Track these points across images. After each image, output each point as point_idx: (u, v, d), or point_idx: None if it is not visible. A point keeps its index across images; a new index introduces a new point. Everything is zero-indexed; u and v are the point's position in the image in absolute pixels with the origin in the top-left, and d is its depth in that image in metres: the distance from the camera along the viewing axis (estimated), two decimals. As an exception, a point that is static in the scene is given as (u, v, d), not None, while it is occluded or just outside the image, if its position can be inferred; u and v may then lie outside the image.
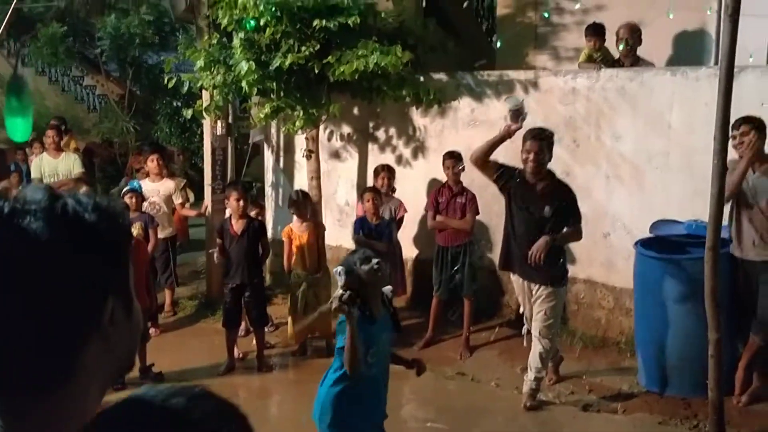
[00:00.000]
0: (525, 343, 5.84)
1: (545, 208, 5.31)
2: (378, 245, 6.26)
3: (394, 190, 7.09)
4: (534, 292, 5.42)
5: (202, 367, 6.37)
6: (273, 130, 8.42)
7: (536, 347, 5.44)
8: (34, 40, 12.90)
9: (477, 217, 7.20)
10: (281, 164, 8.48)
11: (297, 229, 6.50)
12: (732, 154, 5.26)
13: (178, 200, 7.96)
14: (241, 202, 6.07)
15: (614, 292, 6.54)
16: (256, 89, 6.72)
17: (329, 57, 6.47)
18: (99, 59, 14.13)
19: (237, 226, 6.15)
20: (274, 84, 6.69)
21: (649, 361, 5.72)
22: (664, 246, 5.73)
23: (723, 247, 5.39)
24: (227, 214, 6.65)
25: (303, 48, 6.50)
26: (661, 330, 5.55)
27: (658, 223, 5.97)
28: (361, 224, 6.68)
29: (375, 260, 3.66)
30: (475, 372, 6.12)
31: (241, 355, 6.51)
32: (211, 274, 7.80)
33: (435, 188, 6.83)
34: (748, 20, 6.72)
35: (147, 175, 8.13)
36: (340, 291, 3.54)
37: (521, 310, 5.86)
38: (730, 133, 5.17)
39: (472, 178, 6.49)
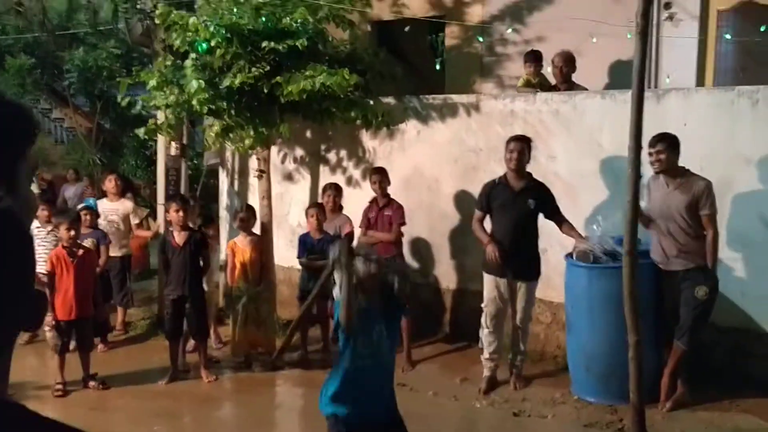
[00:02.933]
0: (480, 345, 6.19)
1: (528, 201, 5.94)
2: (320, 263, 6.45)
3: (341, 208, 7.27)
4: (518, 289, 6.04)
5: (147, 376, 6.44)
6: (228, 153, 8.62)
7: (519, 335, 6.14)
8: (2, 72, 13.08)
9: (421, 236, 7.44)
10: (236, 186, 8.66)
11: (240, 243, 6.66)
12: (649, 169, 5.57)
13: (135, 221, 8.08)
14: (181, 213, 6.21)
15: (551, 307, 6.73)
16: (207, 108, 6.91)
17: (278, 78, 6.70)
18: (67, 92, 14.31)
19: (178, 238, 6.29)
20: (225, 103, 6.90)
21: (579, 370, 5.89)
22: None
23: (647, 257, 5.68)
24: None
25: (253, 69, 6.73)
26: (590, 339, 5.74)
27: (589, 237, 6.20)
28: (304, 240, 6.86)
29: (374, 262, 3.64)
30: (415, 383, 6.24)
31: (187, 368, 6.59)
32: (163, 295, 7.88)
33: (366, 205, 7.03)
34: (674, 44, 7.12)
35: (105, 195, 8.26)
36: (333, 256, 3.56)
37: (485, 315, 6.13)
38: (647, 150, 5.49)
39: (419, 199, 6.71)
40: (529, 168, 6.76)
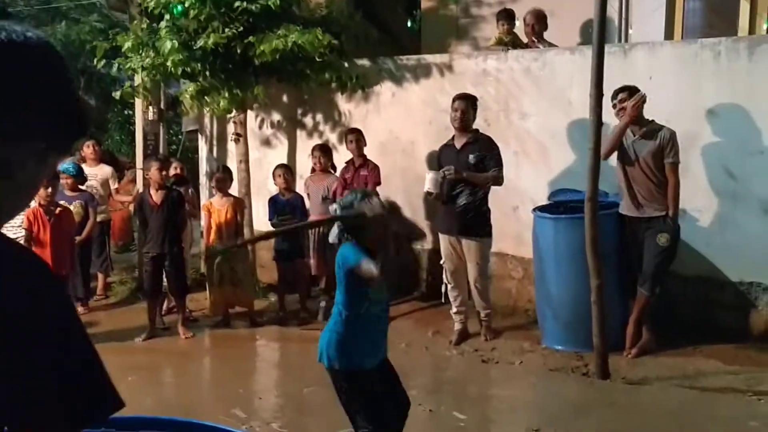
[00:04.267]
0: (443, 299, 6.35)
1: (469, 156, 6.00)
2: (291, 224, 6.61)
3: (334, 168, 7.32)
4: (466, 248, 6.04)
5: (126, 335, 6.53)
6: (207, 120, 8.68)
7: (476, 293, 6.17)
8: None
9: (397, 199, 7.53)
10: (214, 151, 8.72)
11: (216, 204, 6.75)
12: (614, 121, 5.68)
13: (114, 185, 8.15)
14: (160, 172, 6.28)
15: (523, 262, 6.85)
16: (181, 70, 6.97)
17: (251, 38, 6.76)
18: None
19: (156, 197, 6.36)
20: (199, 65, 6.96)
21: (547, 320, 6.02)
22: (562, 212, 6.06)
23: (612, 208, 5.79)
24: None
25: (226, 30, 6.79)
26: (557, 288, 5.86)
27: (557, 192, 6.32)
28: (274, 201, 6.95)
29: (376, 200, 3.51)
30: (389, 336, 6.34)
31: (165, 326, 6.69)
32: (141, 253, 7.96)
33: (343, 166, 7.11)
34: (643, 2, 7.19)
35: (84, 161, 8.30)
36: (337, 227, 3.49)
37: (445, 271, 6.27)
38: (611, 102, 5.60)
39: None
40: (502, 126, 6.89)
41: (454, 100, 6.16)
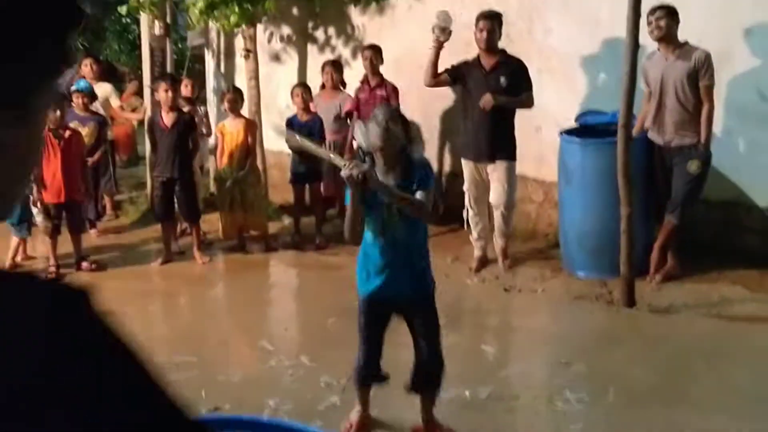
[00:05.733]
0: (465, 227, 6.18)
1: (500, 78, 5.77)
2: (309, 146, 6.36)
3: (344, 85, 7.08)
4: (491, 172, 5.88)
5: (141, 259, 6.46)
6: (213, 34, 8.35)
7: (499, 219, 5.98)
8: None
9: (414, 119, 7.28)
10: (222, 68, 8.44)
11: (229, 126, 6.54)
12: (648, 40, 5.43)
13: (116, 103, 7.91)
14: (170, 93, 6.06)
15: (544, 185, 6.70)
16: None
17: (260, -52, 6.42)
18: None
19: (167, 119, 6.15)
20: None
21: (571, 246, 5.93)
22: (589, 135, 5.88)
23: (641, 132, 5.62)
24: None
25: (235, -61, 6.43)
26: (582, 214, 5.74)
27: (584, 114, 6.12)
28: (290, 122, 6.73)
29: (380, 124, 3.21)
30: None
31: (181, 250, 6.60)
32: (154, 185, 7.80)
33: (357, 86, 6.85)
34: None
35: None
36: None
37: (468, 196, 6.10)
38: (646, 20, 5.34)
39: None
40: (524, 43, 6.61)
41: (478, 19, 5.86)
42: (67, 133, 6.00)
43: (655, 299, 5.28)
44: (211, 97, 8.59)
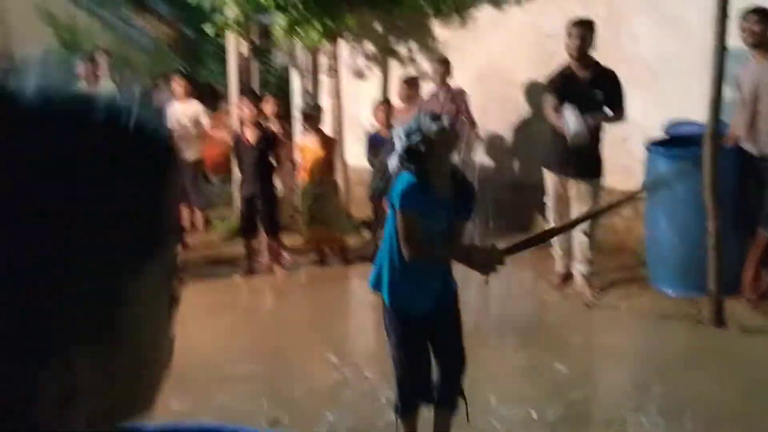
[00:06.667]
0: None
1: (596, 92, 5.51)
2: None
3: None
4: (576, 189, 5.62)
5: (225, 271, 6.57)
6: (299, 52, 8.47)
7: (583, 241, 5.66)
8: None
9: (496, 131, 7.19)
10: (309, 86, 8.54)
11: (309, 142, 6.59)
12: (741, 44, 5.13)
13: (205, 122, 8.11)
14: (251, 110, 6.17)
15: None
16: (273, 2, 6.76)
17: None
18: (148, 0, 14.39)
19: (250, 136, 6.26)
20: (290, -3, 6.72)
21: (658, 263, 5.64)
22: (679, 146, 5.59)
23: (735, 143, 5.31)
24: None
25: (316, -42, 6.51)
26: (669, 229, 5.45)
27: (674, 124, 5.84)
28: (371, 139, 6.72)
29: (445, 121, 3.16)
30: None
31: (262, 263, 6.68)
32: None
33: (426, 99, 6.78)
34: None
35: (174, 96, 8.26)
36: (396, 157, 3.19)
37: (549, 210, 5.89)
38: (739, 24, 5.04)
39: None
40: (610, 50, 6.38)
41: (571, 27, 5.56)
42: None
43: (747, 319, 4.94)
44: (297, 114, 8.70)
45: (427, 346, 3.35)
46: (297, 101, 8.73)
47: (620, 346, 4.78)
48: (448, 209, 3.18)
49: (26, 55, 0.56)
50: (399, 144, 3.13)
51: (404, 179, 3.13)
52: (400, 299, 3.27)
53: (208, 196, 8.29)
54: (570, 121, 5.38)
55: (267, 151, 6.27)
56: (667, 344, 4.78)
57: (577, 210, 5.65)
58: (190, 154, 7.81)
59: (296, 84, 8.71)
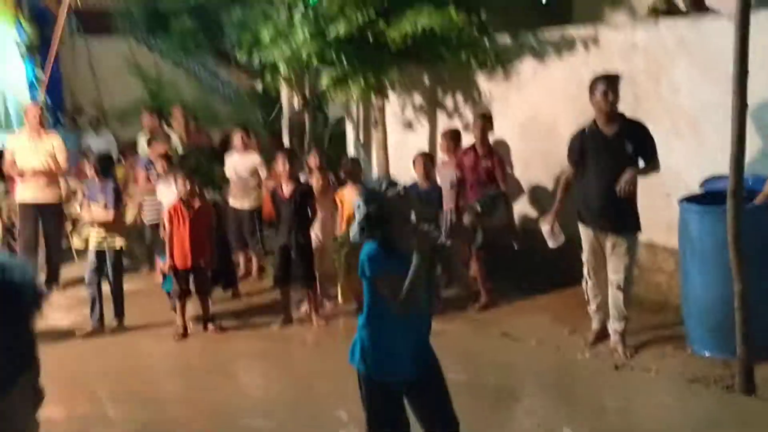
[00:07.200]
0: (585, 297, 5.83)
1: (627, 145, 5.38)
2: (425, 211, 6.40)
3: None
4: (612, 245, 5.48)
5: (266, 318, 6.71)
6: (353, 106, 8.67)
7: (617, 297, 5.48)
8: (167, 36, 13.92)
9: (540, 183, 7.12)
10: (361, 138, 8.72)
11: (347, 194, 6.72)
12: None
13: (263, 173, 8.37)
14: (287, 166, 6.35)
15: (675, 254, 6.16)
16: (317, 59, 6.97)
17: (380, 24, 6.61)
18: (231, 52, 14.97)
19: (286, 189, 6.43)
20: (334, 53, 6.91)
21: (694, 323, 5.41)
22: (717, 202, 5.39)
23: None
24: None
25: (358, 15, 6.67)
26: (702, 288, 5.25)
27: (711, 179, 5.64)
28: (410, 189, 6.76)
29: (401, 186, 3.22)
30: (520, 333, 6.05)
31: (300, 310, 6.80)
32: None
33: (463, 150, 6.82)
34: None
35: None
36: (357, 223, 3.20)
37: (586, 266, 5.74)
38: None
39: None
40: (651, 101, 6.26)
41: (595, 84, 5.39)
42: (197, 204, 6.43)
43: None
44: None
45: (406, 422, 3.30)
46: (351, 152, 8.92)
47: (639, 411, 4.60)
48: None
49: None
50: (358, 213, 3.16)
51: (367, 248, 3.16)
52: (379, 366, 3.23)
53: (265, 245, 8.50)
54: (547, 236, 5.69)
55: (303, 203, 6.41)
56: (689, 412, 4.57)
57: (615, 267, 5.51)
58: (247, 203, 8.08)
59: (350, 136, 8.90)
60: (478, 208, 6.34)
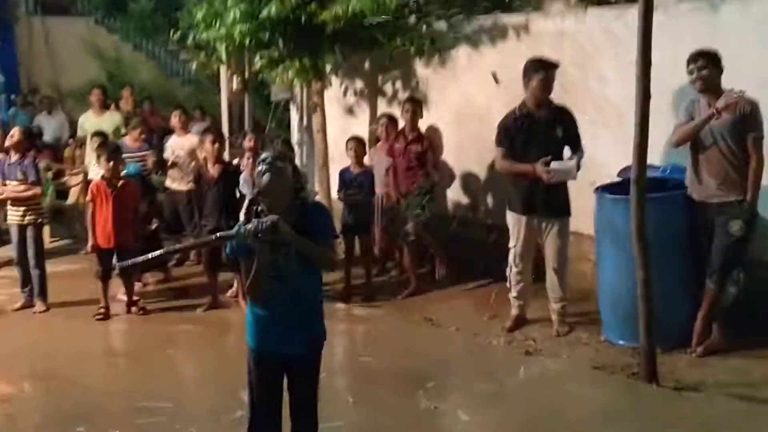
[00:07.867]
0: (508, 284, 5.85)
1: (557, 130, 5.49)
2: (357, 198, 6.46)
3: None
4: (545, 228, 5.54)
5: (190, 304, 6.67)
6: (297, 89, 8.60)
7: (553, 278, 5.60)
8: (125, 17, 13.80)
9: (472, 171, 7.13)
10: (304, 122, 8.66)
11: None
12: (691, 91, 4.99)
13: (201, 155, 8.30)
14: (216, 146, 6.29)
15: (598, 243, 6.23)
16: (251, 40, 6.90)
17: (311, 5, 6.56)
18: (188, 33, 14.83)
19: (213, 171, 6.38)
20: (267, 35, 6.85)
21: (607, 311, 5.46)
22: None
23: (680, 188, 5.14)
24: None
25: (289, -4, 6.60)
26: (614, 276, 5.28)
27: (628, 168, 5.65)
28: (342, 174, 6.78)
29: (266, 163, 3.11)
30: (442, 319, 6.06)
31: (227, 294, 6.76)
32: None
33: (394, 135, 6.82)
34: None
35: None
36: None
37: (513, 253, 5.75)
38: (687, 68, 4.91)
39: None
40: (578, 90, 6.28)
41: (535, 69, 5.45)
42: (120, 183, 6.35)
43: (686, 375, 4.70)
44: (296, 149, 8.81)
45: (277, 395, 3.29)
46: (296, 136, 8.86)
47: (539, 398, 4.59)
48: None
49: None
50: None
51: None
52: (251, 336, 3.26)
53: (201, 228, 8.42)
54: (564, 169, 5.41)
55: (230, 186, 6.36)
56: (589, 399, 4.58)
57: (551, 251, 5.56)
58: (184, 185, 8.00)
59: (295, 119, 8.85)
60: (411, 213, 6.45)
